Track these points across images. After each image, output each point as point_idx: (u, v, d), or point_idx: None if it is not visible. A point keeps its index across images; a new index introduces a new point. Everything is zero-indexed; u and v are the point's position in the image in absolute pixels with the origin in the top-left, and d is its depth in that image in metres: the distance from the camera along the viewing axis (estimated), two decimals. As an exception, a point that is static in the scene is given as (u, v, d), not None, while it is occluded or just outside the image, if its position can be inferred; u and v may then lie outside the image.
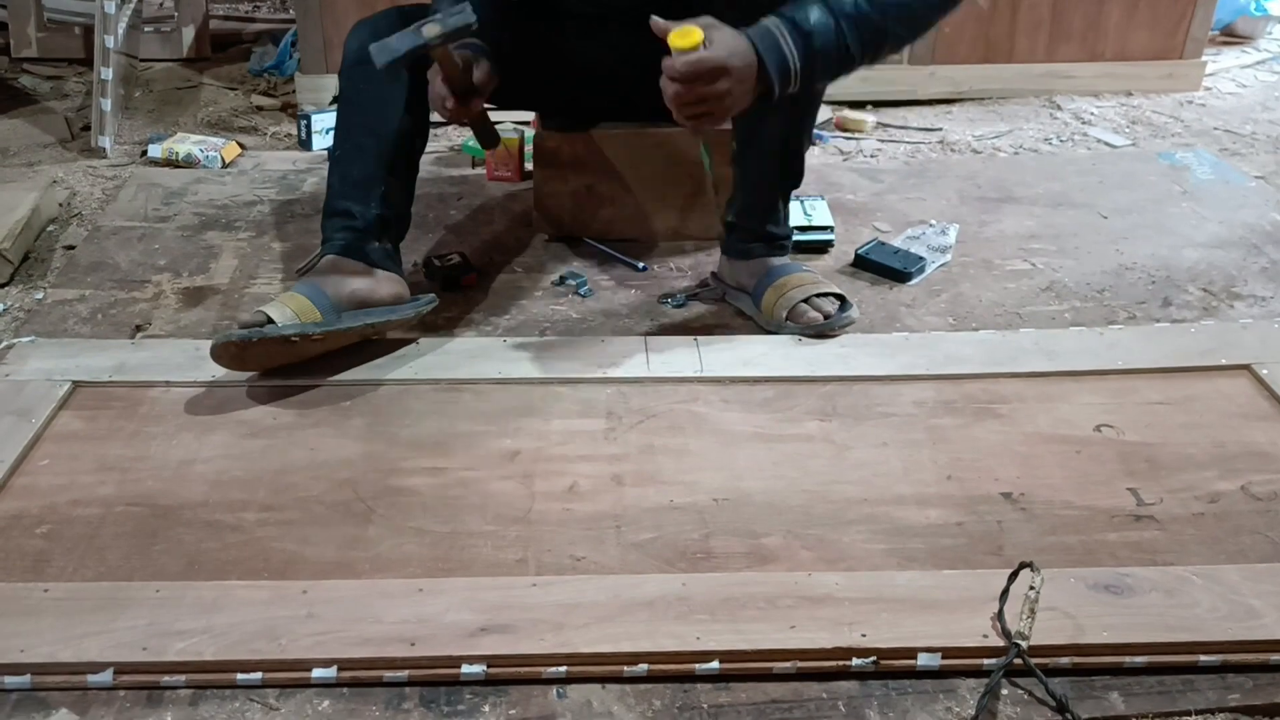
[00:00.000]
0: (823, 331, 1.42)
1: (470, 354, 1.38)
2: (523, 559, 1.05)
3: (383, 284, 1.37)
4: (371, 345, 1.37)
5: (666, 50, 1.15)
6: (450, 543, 1.07)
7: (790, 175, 1.49)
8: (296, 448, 1.20)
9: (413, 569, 1.03)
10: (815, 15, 1.16)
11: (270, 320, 1.26)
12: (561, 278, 1.61)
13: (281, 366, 1.31)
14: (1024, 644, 0.92)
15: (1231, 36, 2.82)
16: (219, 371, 1.31)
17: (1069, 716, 0.89)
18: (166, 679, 0.91)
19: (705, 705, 0.91)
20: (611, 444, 1.22)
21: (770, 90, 1.18)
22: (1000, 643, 0.93)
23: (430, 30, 1.15)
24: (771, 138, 1.43)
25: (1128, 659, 0.94)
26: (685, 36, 1.14)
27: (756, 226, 1.50)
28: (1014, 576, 0.97)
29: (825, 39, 1.17)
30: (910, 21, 1.22)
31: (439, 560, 1.04)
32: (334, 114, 2.07)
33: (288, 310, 1.27)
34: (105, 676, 0.91)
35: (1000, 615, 0.95)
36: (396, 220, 1.44)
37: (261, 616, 0.95)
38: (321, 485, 1.14)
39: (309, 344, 1.27)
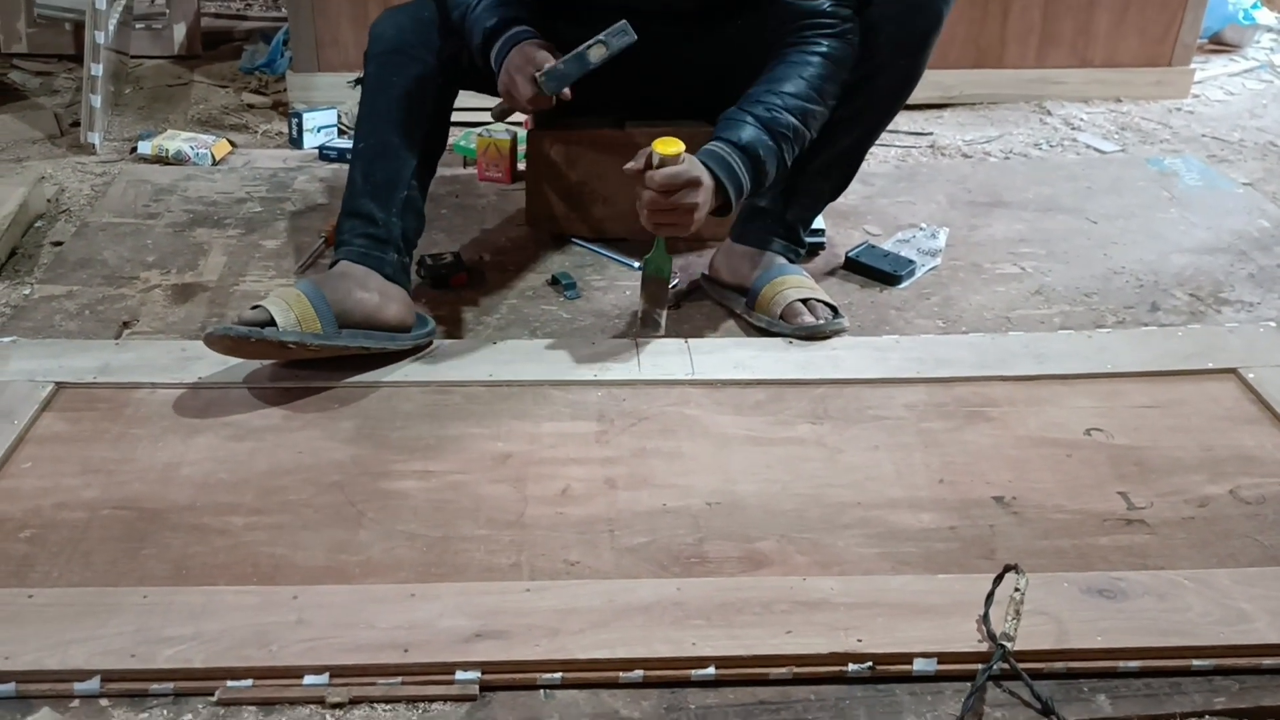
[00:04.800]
0: (813, 334, 1.41)
1: (460, 355, 1.37)
2: (516, 563, 1.03)
3: (390, 304, 1.33)
4: (362, 346, 1.36)
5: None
6: (443, 547, 1.05)
7: (844, 183, 1.53)
8: (284, 450, 1.18)
9: (404, 574, 1.02)
10: (749, 133, 1.30)
11: (272, 320, 1.23)
12: (553, 278, 1.60)
13: (269, 366, 1.30)
14: (1009, 645, 0.91)
15: (1220, 44, 2.83)
16: (205, 373, 1.30)
17: (1055, 718, 0.89)
18: (155, 686, 0.89)
19: (693, 706, 0.90)
20: (604, 447, 1.20)
21: (727, 205, 1.31)
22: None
23: (597, 53, 1.19)
24: (842, 142, 1.45)
25: (1121, 663, 0.94)
26: (670, 145, 1.25)
27: (791, 221, 1.50)
28: (999, 580, 0.97)
29: (765, 150, 1.31)
30: (818, 108, 1.34)
31: (431, 565, 1.03)
32: (325, 113, 2.10)
33: (291, 315, 1.24)
34: (92, 685, 0.89)
35: (985, 618, 0.95)
36: (415, 229, 1.42)
37: (251, 622, 0.94)
38: (310, 489, 1.13)
39: (303, 351, 1.26)
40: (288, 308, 1.25)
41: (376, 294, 1.32)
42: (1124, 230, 1.80)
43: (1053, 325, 1.50)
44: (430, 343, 1.38)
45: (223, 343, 1.22)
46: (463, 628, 0.94)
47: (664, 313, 1.41)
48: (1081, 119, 2.34)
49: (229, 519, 1.08)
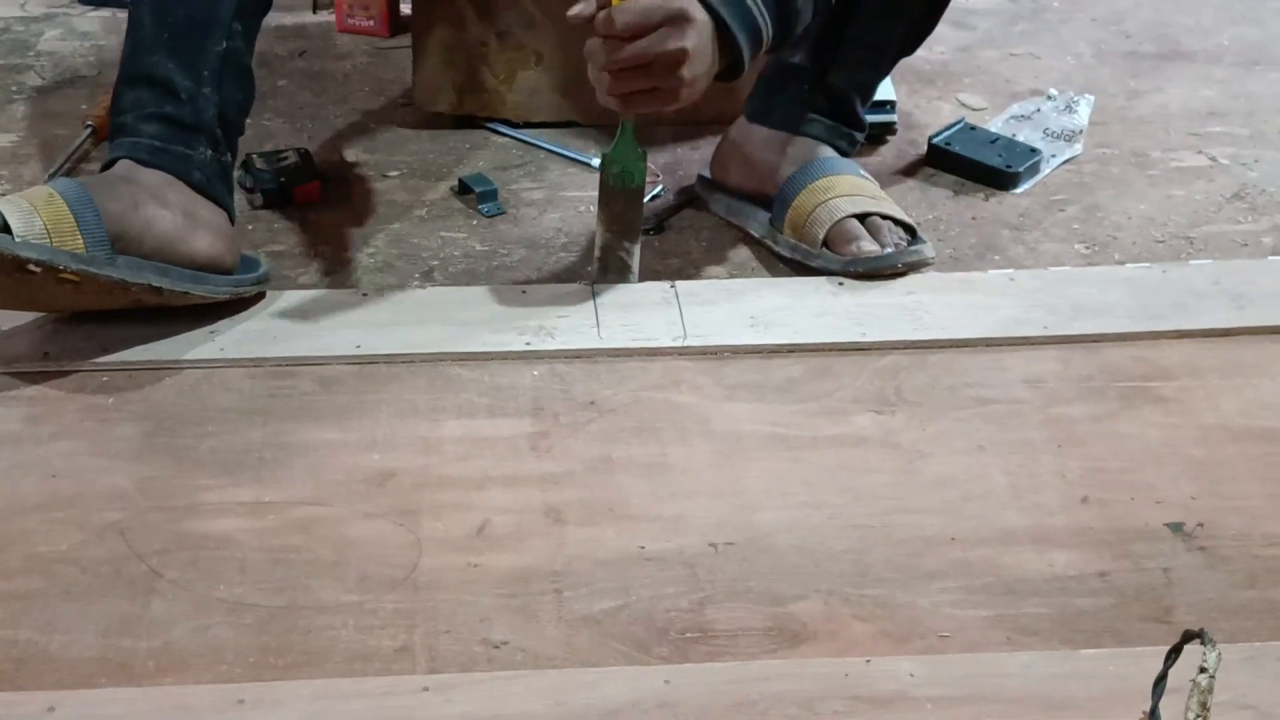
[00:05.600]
0: (878, 269, 1.42)
1: (312, 315, 1.38)
2: (405, 646, 1.04)
3: (199, 230, 1.33)
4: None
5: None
6: (288, 623, 1.06)
7: (925, 27, 1.54)
8: (29, 473, 1.19)
9: (227, 666, 1.02)
10: None
11: (4, 226, 1.22)
12: (460, 184, 1.61)
13: None
14: (1189, 764, 0.92)
15: None
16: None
17: None
18: None
19: None
20: (544, 458, 1.22)
21: (738, 62, 1.32)
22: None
23: None
24: None
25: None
26: None
27: (839, 87, 1.51)
28: (1174, 654, 0.98)
29: None
30: None
31: (269, 651, 1.04)
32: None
33: (36, 219, 1.23)
34: None
35: (1153, 716, 0.95)
36: (241, 106, 1.41)
37: (-22, 752, 0.94)
38: (73, 534, 1.13)
39: (52, 284, 1.24)
40: (31, 211, 1.24)
41: (179, 212, 1.33)
42: (1372, 95, 1.82)
43: (1261, 249, 1.52)
44: (262, 295, 1.39)
45: None
46: (321, 752, 0.94)
47: (636, 248, 1.42)
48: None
49: (-61, 586, 1.08)
